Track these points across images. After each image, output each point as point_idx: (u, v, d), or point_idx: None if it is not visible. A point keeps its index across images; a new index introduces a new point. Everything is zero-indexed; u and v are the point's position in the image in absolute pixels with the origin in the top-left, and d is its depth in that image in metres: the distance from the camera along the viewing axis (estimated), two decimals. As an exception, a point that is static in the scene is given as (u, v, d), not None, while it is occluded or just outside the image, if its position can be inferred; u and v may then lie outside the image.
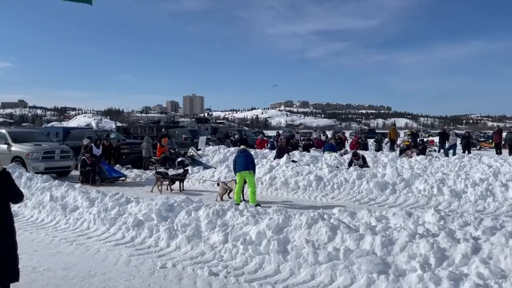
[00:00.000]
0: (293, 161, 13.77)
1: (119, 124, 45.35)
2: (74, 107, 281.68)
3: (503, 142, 22.06)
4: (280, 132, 34.24)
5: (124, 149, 17.24)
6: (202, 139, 20.16)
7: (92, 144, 14.30)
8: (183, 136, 22.25)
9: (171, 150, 17.00)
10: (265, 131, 38.93)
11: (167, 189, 11.65)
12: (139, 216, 6.84)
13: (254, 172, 9.70)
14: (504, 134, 22.46)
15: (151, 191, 11.47)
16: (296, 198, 10.49)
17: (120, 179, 13.45)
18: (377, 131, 44.80)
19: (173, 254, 5.65)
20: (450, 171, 11.79)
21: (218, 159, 15.82)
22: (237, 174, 9.58)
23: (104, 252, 5.82)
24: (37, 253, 5.79)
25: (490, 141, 27.22)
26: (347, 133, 41.18)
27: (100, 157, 13.97)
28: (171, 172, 13.48)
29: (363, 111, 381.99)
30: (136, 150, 17.14)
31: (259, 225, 5.69)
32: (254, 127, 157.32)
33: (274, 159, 14.77)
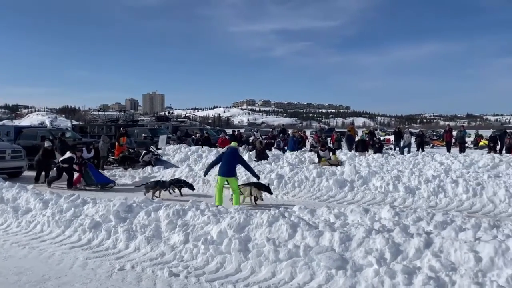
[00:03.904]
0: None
1: (75, 122, 43.86)
2: (26, 105, 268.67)
3: (453, 141, 23.17)
4: (256, 132, 34.04)
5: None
6: (162, 138, 19.82)
7: (84, 148, 13.34)
8: (143, 135, 21.79)
9: (130, 150, 16.61)
10: (227, 130, 38.82)
11: (170, 193, 10.63)
12: (96, 217, 6.64)
13: (235, 175, 8.91)
14: (454, 132, 23.61)
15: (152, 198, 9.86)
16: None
17: (108, 185, 12.09)
18: (336, 129, 45.75)
19: (132, 255, 5.54)
20: (405, 169, 12.24)
21: (179, 158, 15.60)
22: (218, 176, 8.84)
23: (59, 255, 5.61)
24: (-14, 258, 5.51)
25: (442, 139, 28.47)
26: (308, 132, 41.90)
27: (88, 160, 12.92)
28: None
29: (323, 110, 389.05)
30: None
31: (220, 224, 5.68)
32: (216, 125, 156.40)
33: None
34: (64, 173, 12.11)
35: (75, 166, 12.12)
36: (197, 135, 23.74)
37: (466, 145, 29.10)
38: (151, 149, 15.81)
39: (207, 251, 5.21)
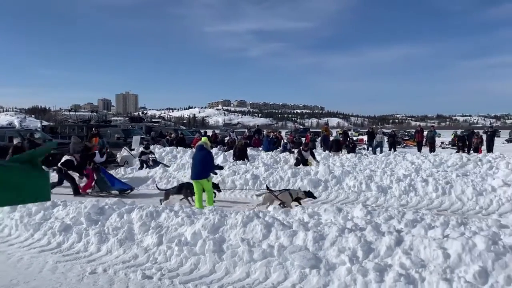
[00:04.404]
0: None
1: (45, 123, 42.59)
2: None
3: (424, 140, 23.77)
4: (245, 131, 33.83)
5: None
6: (135, 139, 19.50)
7: (97, 152, 12.04)
8: (116, 135, 21.40)
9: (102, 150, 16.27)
10: (202, 130, 38.58)
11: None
12: (66, 220, 6.48)
13: (207, 175, 8.50)
14: (425, 132, 24.22)
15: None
16: (232, 197, 10.53)
17: (126, 191, 10.81)
18: (311, 130, 46.21)
19: (104, 258, 5.43)
20: (377, 168, 12.48)
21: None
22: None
23: (27, 259, 5.45)
24: (-51, 264, 5.29)
25: (413, 139, 29.15)
26: (283, 132, 42.10)
27: (100, 164, 11.71)
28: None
29: (298, 111, 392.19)
30: (63, 150, 16.19)
31: (195, 226, 5.64)
32: (192, 126, 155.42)
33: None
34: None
35: (84, 171, 11.18)
36: (172, 135, 23.52)
37: (445, 145, 29.93)
38: (150, 150, 15.51)
39: (181, 253, 5.17)
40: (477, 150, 20.04)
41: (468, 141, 21.30)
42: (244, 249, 4.91)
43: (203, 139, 9.17)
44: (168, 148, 16.76)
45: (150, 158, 14.72)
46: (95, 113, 34.61)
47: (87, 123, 25.02)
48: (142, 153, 14.89)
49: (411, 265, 4.22)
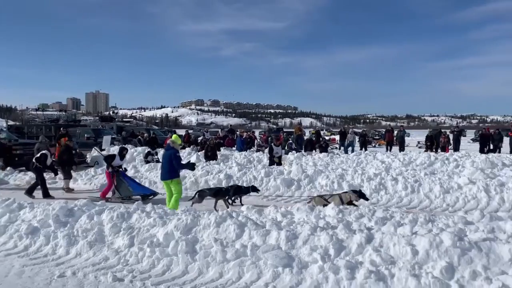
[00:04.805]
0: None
1: (11, 122, 41.16)
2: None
3: (394, 140, 24.32)
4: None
5: (16, 150, 15.69)
6: (106, 139, 19.12)
7: (116, 153, 10.83)
8: (85, 135, 20.92)
9: (72, 151, 15.87)
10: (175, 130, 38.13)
11: (230, 203, 9.26)
12: (33, 222, 6.28)
13: (175, 175, 8.27)
14: (395, 132, 24.80)
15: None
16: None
17: (149, 197, 9.97)
18: (284, 130, 46.50)
19: (73, 261, 5.29)
20: (348, 167, 12.68)
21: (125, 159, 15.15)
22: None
23: (-9, 264, 5.25)
24: None
25: (384, 139, 29.78)
26: (256, 132, 42.18)
27: (119, 167, 10.50)
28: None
29: (272, 111, 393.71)
30: (30, 151, 15.69)
31: (167, 226, 5.58)
32: (164, 126, 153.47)
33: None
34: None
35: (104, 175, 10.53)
36: (144, 135, 23.18)
37: (421, 144, 30.58)
38: (156, 151, 15.26)
39: (153, 254, 5.10)
40: (444, 149, 20.66)
41: (435, 140, 21.92)
42: (217, 249, 4.90)
43: (173, 137, 8.94)
44: (139, 149, 16.50)
45: (154, 159, 14.56)
46: (63, 113, 33.75)
47: (55, 122, 24.34)
48: (148, 154, 14.74)
49: (381, 262, 4.31)
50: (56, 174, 11.44)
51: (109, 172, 10.19)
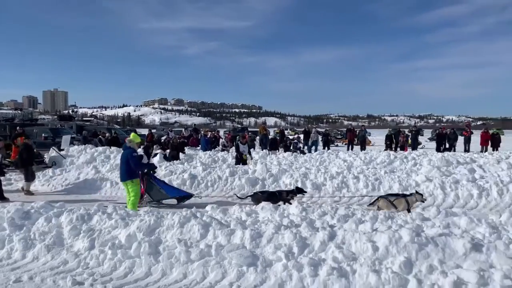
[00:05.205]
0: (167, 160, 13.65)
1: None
2: None
3: (355, 139, 24.91)
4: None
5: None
6: (65, 138, 18.44)
7: (142, 153, 10.02)
8: (43, 135, 20.12)
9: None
10: (138, 130, 37.21)
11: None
12: (-14, 226, 5.98)
13: (133, 176, 8.11)
14: (356, 131, 25.41)
15: None
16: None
17: (184, 200, 9.39)
18: (249, 129, 46.60)
19: (30, 265, 5.08)
20: (312, 166, 12.86)
21: (85, 159, 14.66)
22: None
23: None
24: None
25: (345, 138, 30.44)
26: (221, 132, 42.05)
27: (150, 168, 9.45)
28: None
29: (237, 110, 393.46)
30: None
31: (129, 228, 5.46)
32: (126, 125, 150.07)
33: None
34: None
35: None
36: (106, 135, 22.57)
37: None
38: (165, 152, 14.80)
39: (115, 256, 4.98)
40: (403, 148, 21.37)
41: (395, 139, 22.64)
42: (181, 250, 4.84)
43: (131, 135, 8.57)
44: (100, 148, 16.03)
45: (162, 158, 14.19)
46: (19, 111, 32.29)
47: (10, 121, 23.26)
48: (156, 155, 14.33)
49: (343, 259, 4.41)
50: (2, 175, 10.84)
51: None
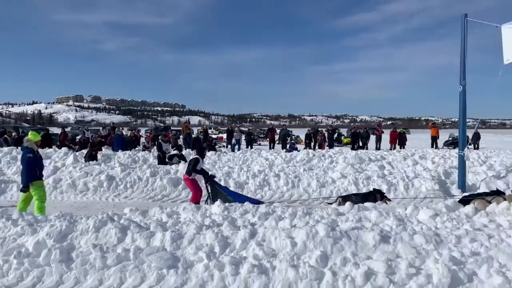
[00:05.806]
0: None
1: None
2: None
3: (277, 138, 25.58)
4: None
5: None
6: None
7: (198, 156, 8.75)
8: None
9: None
10: (50, 128, 34.53)
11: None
12: None
13: (32, 179, 7.27)
14: (278, 130, 26.09)
15: None
16: (85, 201, 9.79)
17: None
18: (172, 128, 45.63)
19: None
20: (235, 165, 12.97)
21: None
22: None
23: None
24: None
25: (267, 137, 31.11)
26: (142, 131, 40.70)
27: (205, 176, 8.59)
28: None
29: (159, 108, 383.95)
30: None
31: (38, 235, 5.06)
32: (36, 123, 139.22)
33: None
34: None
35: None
36: (12, 134, 20.72)
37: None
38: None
39: (21, 266, 4.58)
40: (321, 146, 22.39)
41: (313, 138, 23.62)
42: (96, 256, 4.60)
43: (29, 134, 7.71)
44: (6, 149, 14.70)
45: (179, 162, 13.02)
46: None
47: None
48: (172, 156, 13.29)
49: (264, 256, 4.50)
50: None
51: (191, 179, 8.56)
